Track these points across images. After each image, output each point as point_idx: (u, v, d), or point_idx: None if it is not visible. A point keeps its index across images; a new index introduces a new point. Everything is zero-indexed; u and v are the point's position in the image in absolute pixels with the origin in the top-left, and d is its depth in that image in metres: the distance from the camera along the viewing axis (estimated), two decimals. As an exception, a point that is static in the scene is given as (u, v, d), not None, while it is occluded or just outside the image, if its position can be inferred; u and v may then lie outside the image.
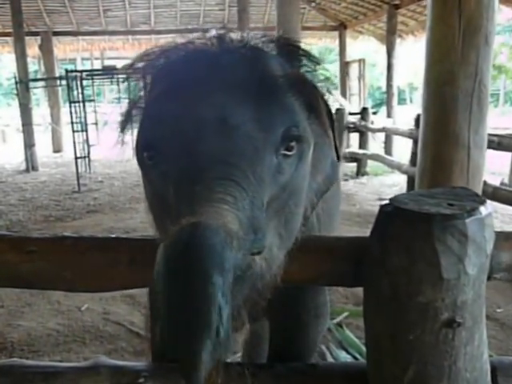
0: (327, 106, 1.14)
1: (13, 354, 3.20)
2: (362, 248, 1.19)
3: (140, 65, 1.14)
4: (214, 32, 1.15)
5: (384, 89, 14.14)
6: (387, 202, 1.14)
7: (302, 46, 1.17)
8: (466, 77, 2.39)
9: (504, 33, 25.61)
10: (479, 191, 2.83)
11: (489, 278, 1.19)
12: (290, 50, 1.16)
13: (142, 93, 1.14)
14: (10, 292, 4.09)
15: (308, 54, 1.17)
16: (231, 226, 0.80)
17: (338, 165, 1.32)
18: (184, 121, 0.97)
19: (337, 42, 16.45)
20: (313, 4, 14.95)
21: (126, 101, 1.15)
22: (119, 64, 12.57)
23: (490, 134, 4.61)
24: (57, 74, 14.52)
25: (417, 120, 6.47)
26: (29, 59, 13.71)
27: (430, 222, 1.05)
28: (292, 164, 1.05)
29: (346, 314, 3.51)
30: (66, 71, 10.87)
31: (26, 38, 12.88)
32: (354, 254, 1.23)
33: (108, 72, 11.01)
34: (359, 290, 1.23)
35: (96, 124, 12.95)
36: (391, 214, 1.11)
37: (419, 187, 2.95)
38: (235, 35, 1.13)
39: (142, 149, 1.04)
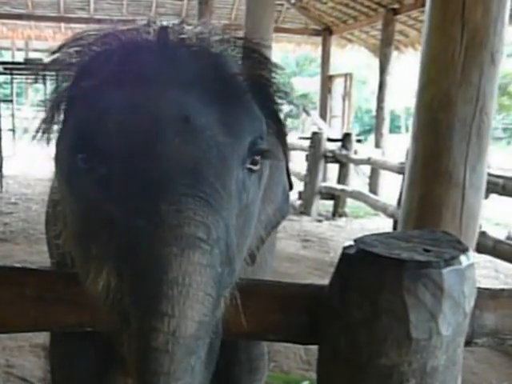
0: (282, 124, 0.98)
1: None
2: (318, 297, 1.02)
3: (71, 50, 0.94)
4: (163, 23, 0.98)
5: (375, 112, 10.76)
6: (351, 243, 0.97)
7: (264, 51, 0.99)
8: (465, 101, 2.02)
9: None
10: (473, 242, 2.42)
11: (469, 344, 1.01)
12: (249, 53, 0.98)
13: (71, 82, 0.92)
14: None
15: (268, 61, 0.99)
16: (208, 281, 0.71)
17: (289, 195, 1.15)
18: (137, 115, 0.80)
19: (319, 50, 13.27)
20: (292, 0, 12.04)
21: (52, 93, 0.94)
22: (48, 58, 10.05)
23: (494, 175, 3.90)
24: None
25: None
26: None
27: (399, 269, 0.89)
28: (254, 183, 0.90)
29: (306, 382, 2.97)
30: (-24, 63, 8.57)
31: None
32: (308, 303, 1.04)
33: (33, 66, 9.13)
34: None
35: (13, 131, 10.71)
36: (354, 258, 0.94)
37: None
38: (189, 29, 0.96)
39: (74, 148, 0.85)
